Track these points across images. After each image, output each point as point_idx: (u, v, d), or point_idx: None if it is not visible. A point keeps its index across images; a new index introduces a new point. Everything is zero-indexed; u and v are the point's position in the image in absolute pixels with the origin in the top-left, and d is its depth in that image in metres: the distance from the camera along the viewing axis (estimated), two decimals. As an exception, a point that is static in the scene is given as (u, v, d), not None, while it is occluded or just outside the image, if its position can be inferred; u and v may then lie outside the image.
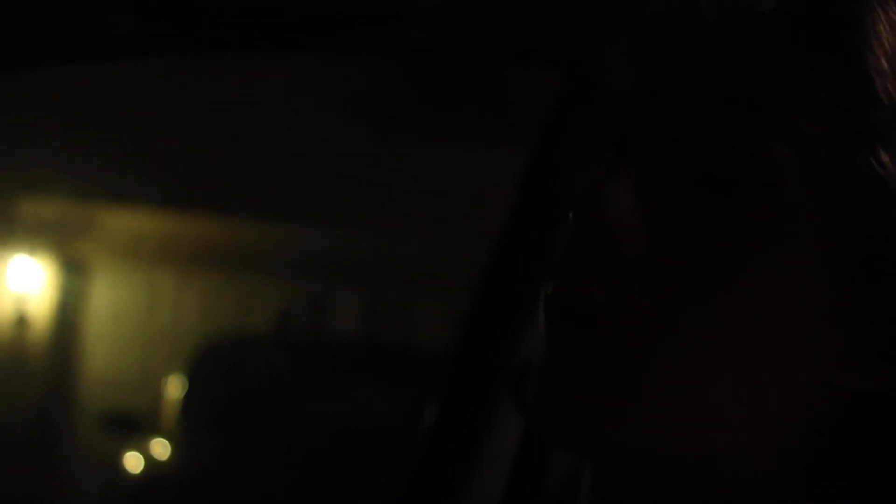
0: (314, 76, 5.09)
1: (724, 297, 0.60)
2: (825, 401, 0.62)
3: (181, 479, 5.93)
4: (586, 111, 1.34)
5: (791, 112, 0.60)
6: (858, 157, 0.60)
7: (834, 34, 0.60)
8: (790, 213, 0.60)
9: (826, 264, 0.60)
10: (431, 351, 5.92)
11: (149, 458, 6.06)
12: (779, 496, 0.62)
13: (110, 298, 6.97)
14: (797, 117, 0.60)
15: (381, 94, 5.79)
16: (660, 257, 0.61)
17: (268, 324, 6.97)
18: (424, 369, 5.37)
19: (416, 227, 6.44)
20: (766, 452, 0.62)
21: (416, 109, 6.13)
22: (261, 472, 5.64)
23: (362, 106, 5.85)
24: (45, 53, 1.10)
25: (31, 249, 6.67)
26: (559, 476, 1.36)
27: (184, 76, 4.86)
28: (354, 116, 5.92)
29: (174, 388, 6.28)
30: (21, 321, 6.77)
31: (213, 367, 6.19)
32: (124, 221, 6.82)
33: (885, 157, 0.60)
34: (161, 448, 6.07)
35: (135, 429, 6.16)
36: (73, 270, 6.89)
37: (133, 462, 6.08)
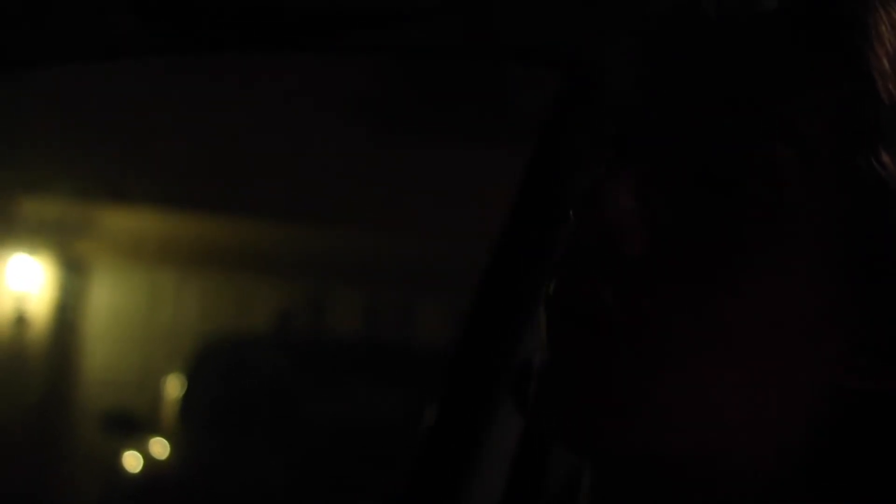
0: (314, 76, 5.09)
1: (725, 297, 0.60)
2: (825, 401, 0.62)
3: (180, 478, 5.93)
4: (586, 111, 1.34)
5: (791, 112, 0.60)
6: (859, 158, 0.60)
7: (835, 34, 0.60)
8: (790, 213, 0.60)
9: (826, 264, 0.60)
10: (431, 351, 5.92)
11: (148, 458, 6.06)
12: (779, 496, 0.62)
13: (110, 298, 6.97)
14: (797, 117, 0.60)
15: (381, 94, 5.79)
16: (660, 257, 0.61)
17: (268, 324, 6.97)
18: (424, 369, 5.37)
19: (416, 227, 6.44)
20: (766, 452, 0.62)
21: (416, 109, 6.13)
22: (260, 472, 5.64)
23: (362, 106, 5.85)
24: (45, 53, 1.10)
25: (31, 249, 6.67)
26: (559, 476, 1.36)
27: (184, 76, 4.86)
28: (354, 116, 5.92)
29: (174, 387, 6.28)
30: (21, 321, 6.77)
31: (213, 366, 6.19)
32: (124, 221, 6.82)
33: (885, 158, 0.60)
34: (160, 448, 6.07)
35: (134, 428, 6.16)
36: (73, 270, 6.89)
37: (132, 462, 6.08)
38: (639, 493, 0.64)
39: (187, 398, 6.12)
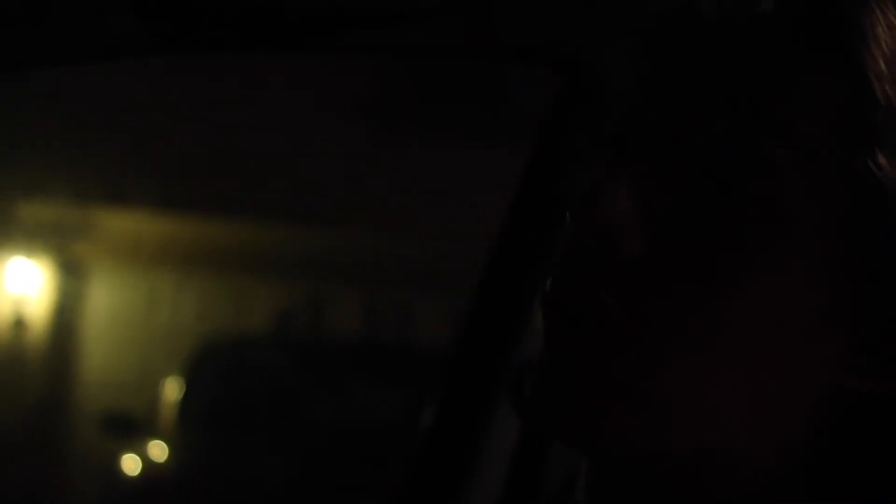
0: (314, 76, 5.09)
1: (724, 297, 0.60)
2: (825, 401, 0.62)
3: (179, 480, 5.93)
4: (586, 111, 1.34)
5: (790, 112, 0.60)
6: (856, 159, 0.60)
7: (832, 35, 0.60)
8: (790, 214, 0.60)
9: (826, 264, 0.60)
10: (431, 351, 5.92)
11: (147, 460, 6.05)
12: (779, 496, 0.62)
13: (109, 300, 6.97)
14: (797, 117, 0.60)
15: (381, 94, 5.80)
16: (659, 257, 0.61)
17: (267, 324, 6.97)
18: (424, 369, 5.37)
19: (416, 227, 6.44)
20: (766, 452, 0.62)
21: (416, 109, 6.14)
22: (260, 472, 5.64)
23: (362, 106, 5.85)
24: (45, 53, 1.10)
25: (30, 251, 6.67)
26: (557, 476, 1.36)
27: (184, 76, 4.86)
28: (354, 116, 5.92)
29: (173, 389, 6.27)
30: (19, 323, 6.77)
31: (212, 368, 6.19)
32: (123, 223, 6.82)
33: (881, 159, 0.60)
34: (159, 450, 6.06)
35: (133, 430, 6.16)
36: (72, 272, 6.89)
37: (131, 464, 6.07)
38: (639, 492, 0.64)
39: (186, 400, 6.12)
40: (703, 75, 0.62)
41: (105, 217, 6.76)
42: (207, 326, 6.89)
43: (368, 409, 5.86)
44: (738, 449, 0.62)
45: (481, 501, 1.39)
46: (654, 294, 0.61)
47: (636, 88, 0.64)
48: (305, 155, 6.05)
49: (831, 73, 0.60)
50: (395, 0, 1.16)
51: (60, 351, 6.95)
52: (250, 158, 6.09)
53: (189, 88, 5.20)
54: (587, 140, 1.34)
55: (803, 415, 0.62)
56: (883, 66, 0.60)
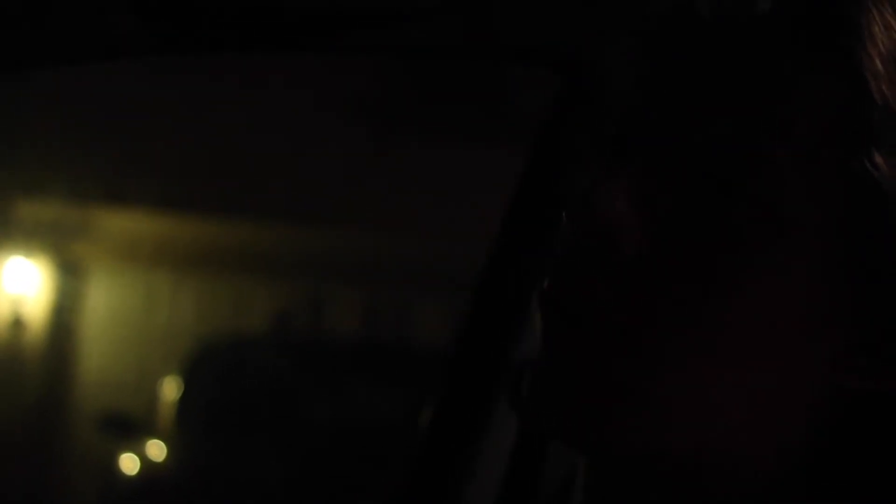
0: (314, 76, 5.09)
1: (724, 297, 0.60)
2: (825, 401, 0.62)
3: (178, 481, 5.93)
4: (586, 111, 1.34)
5: (790, 112, 0.60)
6: (854, 158, 0.60)
7: (830, 35, 0.60)
8: (789, 214, 0.60)
9: (826, 264, 0.60)
10: (431, 351, 5.92)
11: (145, 460, 6.05)
12: (779, 496, 0.62)
13: (107, 300, 6.97)
14: (796, 118, 0.60)
15: (381, 94, 5.80)
16: (659, 257, 0.61)
17: (266, 324, 6.97)
18: (424, 370, 5.37)
19: (416, 227, 6.44)
20: (766, 452, 0.62)
21: (416, 109, 6.14)
22: (259, 473, 5.64)
23: (362, 106, 5.85)
24: (45, 53, 1.10)
25: (28, 251, 6.67)
26: (556, 476, 1.36)
27: (184, 76, 4.86)
28: (354, 116, 5.92)
29: (171, 389, 6.27)
30: (18, 323, 6.77)
31: (211, 368, 6.18)
32: (122, 223, 6.81)
33: (878, 159, 0.60)
34: (158, 450, 6.06)
35: (131, 430, 6.16)
36: (70, 272, 6.88)
37: (129, 464, 6.07)
38: (638, 492, 0.64)
39: (185, 400, 6.11)
40: (703, 75, 0.62)
41: (104, 217, 6.76)
42: (206, 326, 6.89)
43: (368, 409, 5.86)
44: (738, 449, 0.62)
45: (479, 501, 1.39)
46: (653, 294, 0.61)
47: (636, 88, 0.64)
48: (305, 155, 6.05)
49: (830, 73, 0.60)
50: (395, 0, 1.16)
51: (59, 351, 6.94)
52: (250, 158, 6.09)
53: (189, 88, 5.20)
54: (587, 140, 1.34)
55: (803, 415, 0.62)
56: (879, 65, 0.60)
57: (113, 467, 6.11)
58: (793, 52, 0.60)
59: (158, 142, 6.00)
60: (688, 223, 0.61)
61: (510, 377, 1.37)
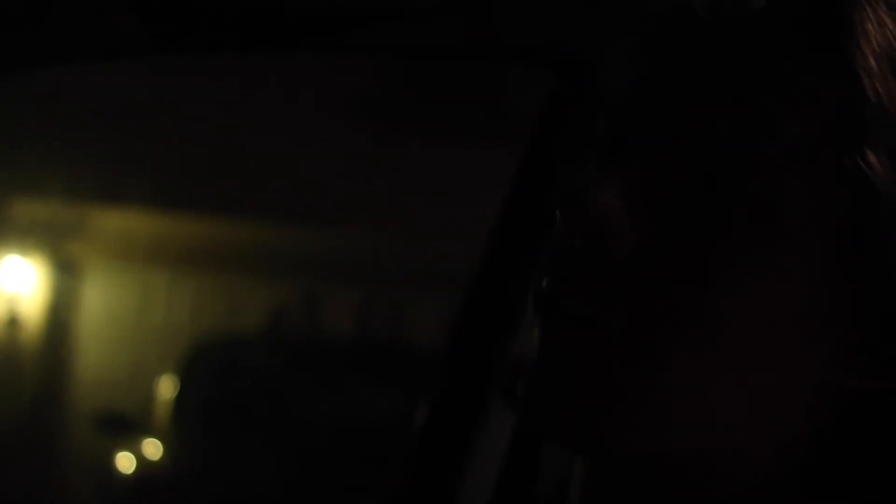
0: (314, 76, 5.09)
1: (723, 297, 0.60)
2: (825, 401, 0.62)
3: (174, 479, 5.92)
4: (585, 111, 1.34)
5: (788, 112, 0.60)
6: (850, 157, 0.60)
7: (827, 34, 0.60)
8: (788, 213, 0.60)
9: (824, 264, 0.60)
10: (428, 351, 5.92)
11: (142, 459, 6.05)
12: (778, 496, 0.62)
13: (104, 299, 6.96)
14: (795, 117, 0.60)
15: (381, 94, 5.79)
16: (659, 257, 0.61)
17: (263, 324, 6.96)
18: (421, 369, 5.37)
19: (414, 226, 6.44)
20: (766, 452, 0.62)
21: (416, 109, 6.13)
22: (255, 472, 5.63)
23: (362, 106, 5.85)
24: (45, 53, 1.10)
25: (23, 250, 6.66)
26: (551, 476, 1.36)
27: (184, 76, 4.86)
28: (354, 116, 5.92)
29: (167, 388, 6.27)
30: (13, 322, 6.76)
31: (207, 367, 6.18)
32: (119, 222, 6.81)
33: (872, 157, 0.59)
34: (154, 449, 6.05)
35: (128, 429, 6.15)
36: (66, 271, 6.87)
37: (126, 462, 6.07)
38: (638, 492, 0.64)
39: (181, 399, 6.11)
40: (702, 75, 0.62)
41: (100, 216, 6.75)
42: (203, 325, 6.88)
43: (365, 409, 5.85)
44: (738, 449, 0.62)
45: (475, 501, 1.38)
46: (653, 294, 0.61)
47: (635, 88, 0.64)
48: (304, 154, 6.05)
49: (827, 73, 0.60)
50: (395, 0, 1.16)
51: (55, 349, 6.93)
52: (249, 158, 6.09)
53: (189, 88, 5.20)
54: (586, 140, 1.34)
55: (803, 415, 0.62)
56: (873, 63, 0.60)
57: (109, 466, 6.11)
58: (791, 51, 0.60)
59: (158, 141, 6.00)
60: (686, 223, 0.61)
61: (506, 377, 1.36)
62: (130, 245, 6.84)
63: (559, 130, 1.38)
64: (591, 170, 0.63)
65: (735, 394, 0.61)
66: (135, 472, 6.04)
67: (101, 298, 6.97)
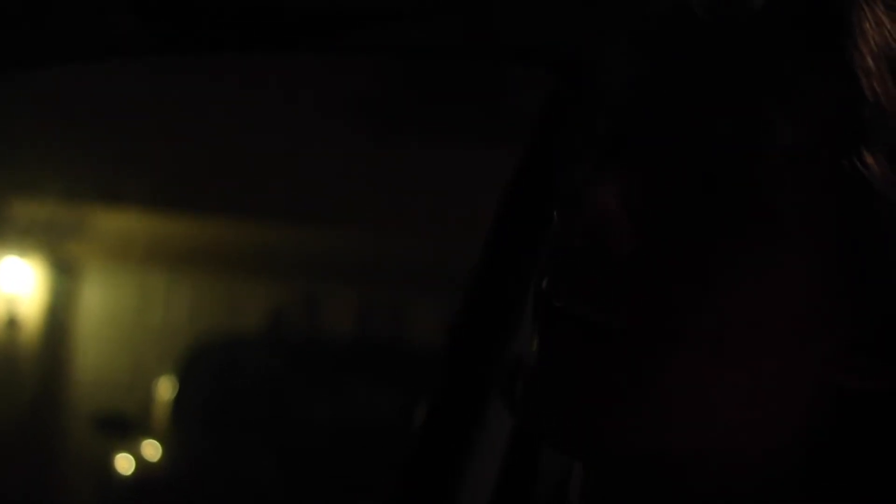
0: (314, 76, 5.09)
1: (722, 297, 0.60)
2: (824, 401, 0.62)
3: (173, 480, 5.92)
4: (585, 111, 1.34)
5: (787, 112, 0.60)
6: (848, 157, 0.60)
7: (825, 34, 0.60)
8: (787, 213, 0.60)
9: (824, 264, 0.60)
10: (428, 351, 5.92)
11: (141, 460, 6.04)
12: (778, 496, 0.62)
13: (103, 299, 6.96)
14: (794, 117, 0.60)
15: (381, 94, 5.80)
16: (658, 257, 0.61)
17: (262, 324, 6.96)
18: (420, 369, 5.37)
19: (414, 227, 6.44)
20: (766, 452, 0.62)
21: (416, 109, 6.14)
22: (254, 472, 5.63)
23: (362, 106, 5.85)
24: (45, 53, 1.10)
25: (23, 250, 6.66)
26: (550, 476, 1.36)
27: (184, 76, 4.86)
28: (354, 116, 5.92)
29: (167, 388, 6.27)
30: (12, 322, 6.76)
31: (206, 367, 6.18)
32: (118, 222, 6.81)
33: (869, 158, 0.59)
34: (153, 449, 6.05)
35: (127, 430, 6.15)
36: (64, 272, 6.87)
37: (125, 463, 6.07)
38: (638, 493, 0.64)
39: (180, 399, 6.10)
40: (702, 75, 0.62)
41: (100, 216, 6.75)
42: (202, 325, 6.88)
43: (365, 409, 5.86)
44: (738, 449, 0.62)
45: (475, 501, 1.38)
46: (653, 294, 0.61)
47: (635, 88, 0.64)
48: (304, 155, 6.05)
49: (826, 73, 0.60)
50: (395, 0, 1.16)
51: (54, 350, 6.93)
52: (249, 158, 6.09)
53: (189, 88, 5.20)
54: (585, 140, 1.35)
55: (802, 415, 0.62)
56: (871, 62, 0.60)
57: (108, 467, 6.11)
58: (791, 52, 0.60)
59: (158, 141, 6.00)
60: (686, 223, 0.61)
61: (506, 377, 1.37)
62: (130, 245, 6.84)
63: (559, 130, 1.38)
64: (590, 170, 0.63)
65: (735, 394, 0.61)
66: (134, 474, 6.04)
67: (100, 299, 6.97)
